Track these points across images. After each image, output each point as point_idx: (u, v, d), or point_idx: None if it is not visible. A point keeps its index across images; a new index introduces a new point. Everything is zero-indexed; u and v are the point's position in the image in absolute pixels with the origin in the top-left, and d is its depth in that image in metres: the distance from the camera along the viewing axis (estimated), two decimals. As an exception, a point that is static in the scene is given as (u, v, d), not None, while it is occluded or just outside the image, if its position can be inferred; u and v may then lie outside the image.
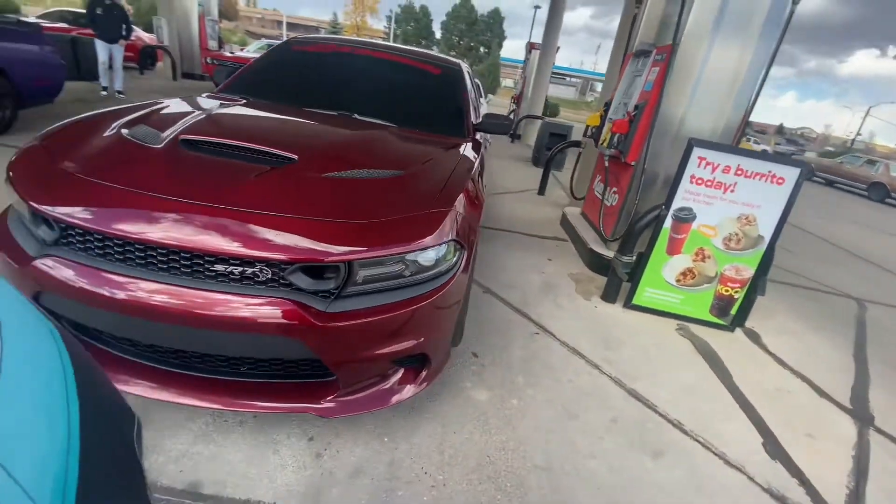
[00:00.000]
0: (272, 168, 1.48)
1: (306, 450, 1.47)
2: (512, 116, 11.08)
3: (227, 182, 1.38)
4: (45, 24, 6.88)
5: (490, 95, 11.13)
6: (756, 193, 2.46)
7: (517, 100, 11.69)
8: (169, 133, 1.58)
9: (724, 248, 2.58)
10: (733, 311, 2.69)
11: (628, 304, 2.77)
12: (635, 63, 3.38)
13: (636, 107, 3.04)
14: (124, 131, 1.58)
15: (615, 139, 3.18)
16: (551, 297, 2.78)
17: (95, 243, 1.25)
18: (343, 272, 1.29)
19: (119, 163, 1.42)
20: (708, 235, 2.57)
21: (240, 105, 2.14)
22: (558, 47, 10.19)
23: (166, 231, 1.21)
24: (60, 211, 1.24)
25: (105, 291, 1.22)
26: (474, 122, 2.60)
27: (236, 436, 1.48)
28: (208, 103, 2.12)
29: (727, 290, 2.65)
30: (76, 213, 1.24)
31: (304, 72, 2.65)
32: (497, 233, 3.85)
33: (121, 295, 1.22)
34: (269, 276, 1.26)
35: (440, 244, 1.44)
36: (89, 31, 6.86)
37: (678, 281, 2.68)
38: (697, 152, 2.40)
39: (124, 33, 6.93)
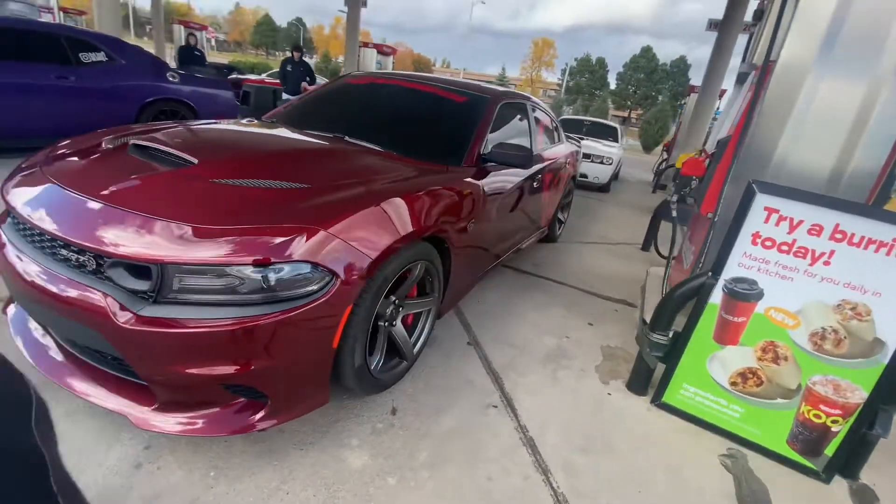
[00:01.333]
0: (169, 170, 1.54)
1: (134, 457, 1.41)
2: (662, 166, 9.85)
3: (118, 178, 1.48)
4: (252, 77, 9.02)
5: (629, 140, 10.12)
6: (870, 272, 1.55)
7: (668, 147, 10.38)
8: (133, 139, 1.80)
9: (813, 350, 1.68)
10: (829, 450, 1.70)
11: (657, 401, 2.01)
12: (737, 91, 2.61)
13: (718, 143, 2.31)
14: (108, 137, 1.87)
15: (688, 184, 2.47)
16: (550, 369, 2.21)
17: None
18: (157, 276, 1.23)
19: (74, 159, 1.67)
20: (784, 325, 1.71)
21: (239, 123, 2.36)
22: (724, 90, 8.76)
23: (39, 212, 1.35)
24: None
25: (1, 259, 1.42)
26: (483, 153, 2.32)
27: (96, 422, 1.51)
28: (227, 122, 2.39)
29: (819, 417, 1.70)
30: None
31: (333, 100, 2.80)
32: (546, 283, 3.33)
33: (9, 266, 1.39)
34: (94, 266, 1.27)
35: (278, 263, 1.26)
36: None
37: (734, 384, 1.84)
38: (763, 200, 1.66)
39: (307, 82, 8.53)
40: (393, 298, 1.77)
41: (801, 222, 1.62)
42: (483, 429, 1.74)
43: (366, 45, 13.31)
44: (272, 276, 1.27)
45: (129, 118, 4.85)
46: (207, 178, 1.50)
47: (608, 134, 8.91)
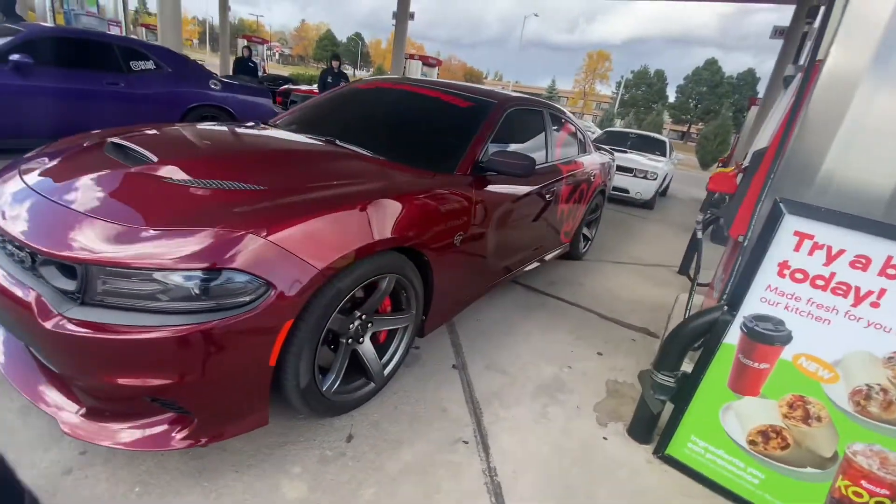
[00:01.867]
0: (123, 167, 1.50)
1: (67, 462, 1.35)
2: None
3: (75, 174, 1.45)
4: (304, 87, 9.35)
5: (679, 155, 9.47)
6: (934, 319, 1.21)
7: (724, 162, 9.62)
8: (113, 136, 1.80)
9: (855, 412, 1.34)
10: (874, 543, 1.35)
11: (660, 453, 1.72)
12: (781, 97, 2.27)
13: (752, 155, 1.99)
14: (95, 135, 1.89)
15: (720, 201, 2.16)
16: (541, 403, 1.97)
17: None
18: (81, 276, 1.16)
19: (54, 156, 1.68)
20: (818, 378, 1.39)
21: (241, 126, 2.34)
22: (790, 102, 7.99)
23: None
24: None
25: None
26: (481, 161, 2.15)
27: (44, 421, 1.48)
28: (229, 124, 2.38)
29: (860, 496, 1.35)
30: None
31: (337, 105, 2.74)
32: (558, 304, 3.07)
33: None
34: (30, 262, 1.23)
35: (203, 270, 1.16)
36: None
37: (753, 444, 1.52)
38: (793, 224, 1.36)
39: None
40: (357, 314, 1.63)
41: (841, 252, 1.31)
42: (445, 468, 1.54)
43: (411, 56, 13.52)
44: (197, 284, 1.17)
45: (173, 122, 5.12)
46: (159, 177, 1.44)
47: (655, 147, 8.38)
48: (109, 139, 1.74)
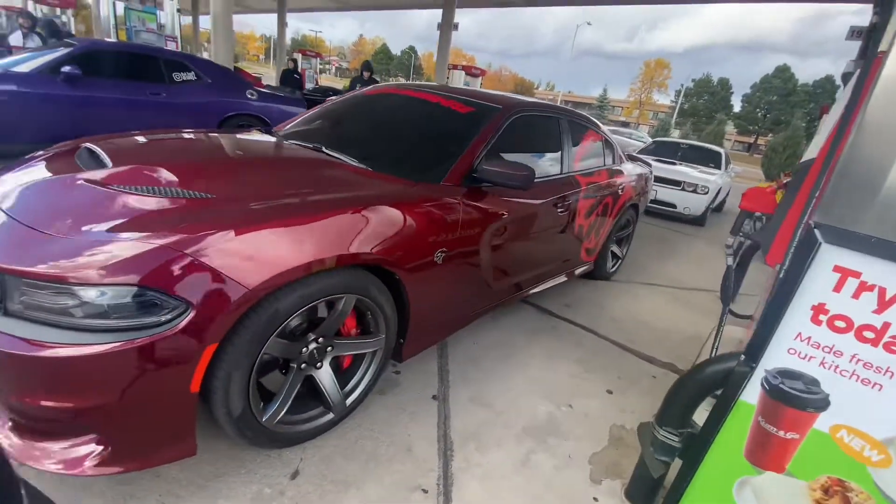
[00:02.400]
0: (72, 173, 1.45)
1: None
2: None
3: (32, 178, 1.42)
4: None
5: (737, 167, 8.65)
6: None
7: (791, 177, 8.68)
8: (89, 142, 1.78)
9: (917, 512, 1.00)
10: None
11: (661, 526, 1.42)
12: (839, 99, 1.89)
13: (796, 168, 1.65)
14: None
15: (752, 221, 1.82)
16: (526, 448, 1.72)
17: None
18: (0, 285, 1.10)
19: (34, 158, 1.68)
20: (862, 458, 1.06)
21: (238, 133, 2.29)
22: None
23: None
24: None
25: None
26: (473, 172, 1.94)
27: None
28: (224, 132, 2.35)
29: None
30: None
31: (339, 111, 2.63)
32: (571, 329, 2.77)
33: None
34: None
35: (107, 284, 1.05)
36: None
37: (776, 533, 1.19)
38: (832, 256, 1.05)
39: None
40: (312, 336, 1.48)
41: (898, 297, 0.99)
42: (394, 521, 1.35)
43: (455, 67, 13.53)
44: (107, 300, 1.06)
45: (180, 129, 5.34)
46: (100, 183, 1.37)
47: (708, 159, 7.72)
48: (84, 144, 1.72)
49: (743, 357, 1.21)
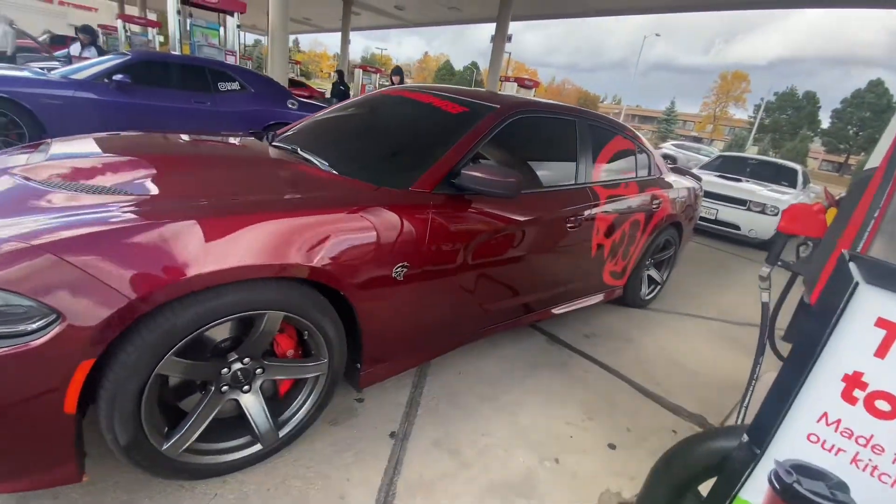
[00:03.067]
0: (23, 166, 1.40)
1: None
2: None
3: None
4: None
5: (816, 187, 7.56)
6: None
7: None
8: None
9: None
10: None
11: None
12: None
13: (852, 183, 1.25)
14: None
15: (797, 249, 1.42)
16: (484, 509, 1.42)
17: None
18: None
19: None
20: None
21: (237, 138, 2.23)
22: None
23: None
24: None
25: None
26: (452, 177, 1.70)
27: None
28: (224, 136, 2.31)
29: None
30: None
31: (332, 115, 2.50)
32: (583, 364, 2.40)
33: None
34: None
35: (-36, 287, 0.94)
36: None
37: None
38: (874, 302, 0.69)
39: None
40: (235, 356, 1.31)
41: None
42: (292, 589, 1.12)
43: (506, 79, 13.32)
44: (-36, 304, 0.95)
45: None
46: (27, 178, 1.30)
47: (781, 176, 6.82)
48: (50, 140, 1.71)
49: (746, 438, 0.86)
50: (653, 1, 11.56)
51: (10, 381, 0.98)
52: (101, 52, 6.61)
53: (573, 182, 2.32)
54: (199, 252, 1.12)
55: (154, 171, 1.52)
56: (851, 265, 0.72)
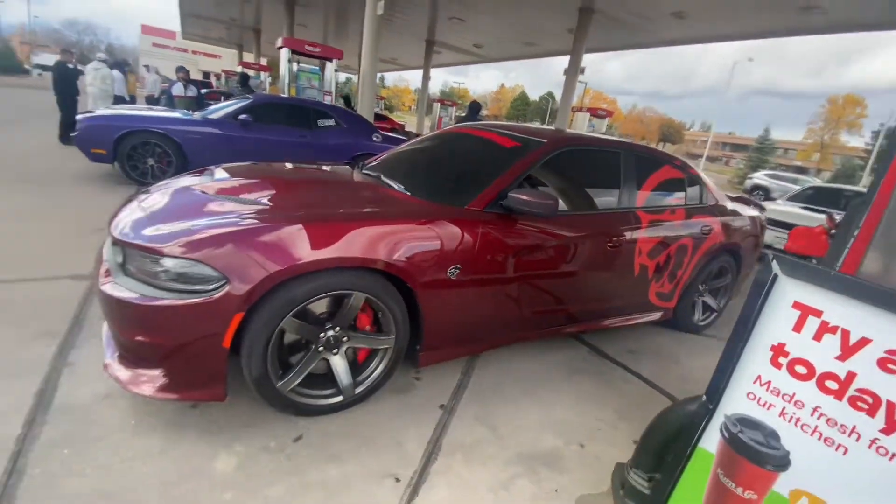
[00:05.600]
0: (199, 185, 2.02)
1: (107, 391, 1.82)
2: None
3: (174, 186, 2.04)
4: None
5: None
6: None
7: None
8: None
9: None
10: None
11: (626, 582, 1.28)
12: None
13: (851, 201, 1.41)
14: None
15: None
16: (512, 472, 1.70)
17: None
18: (122, 252, 1.63)
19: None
20: (827, 538, 0.87)
21: (332, 166, 2.82)
22: None
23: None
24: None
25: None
26: (501, 199, 2.08)
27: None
28: (322, 164, 2.91)
29: None
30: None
31: (411, 148, 3.01)
32: (619, 373, 2.58)
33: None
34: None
35: (178, 256, 1.49)
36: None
37: None
38: (791, 290, 0.94)
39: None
40: (330, 325, 1.77)
41: (865, 342, 0.85)
42: (359, 497, 1.50)
43: (579, 109, 13.50)
44: (171, 264, 1.50)
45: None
46: (204, 191, 1.91)
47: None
48: (210, 167, 2.37)
49: (703, 398, 1.10)
50: (736, 28, 11.20)
51: (194, 323, 1.50)
52: (197, 88, 8.06)
53: (616, 206, 2.58)
54: (311, 245, 1.60)
55: (283, 190, 2.09)
56: (773, 262, 0.97)
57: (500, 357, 2.51)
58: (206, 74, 19.80)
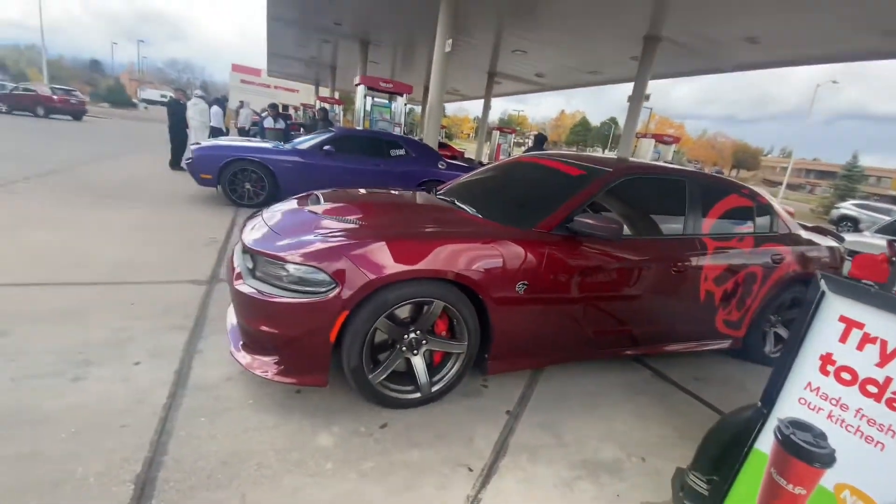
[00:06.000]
0: (308, 207, 2.42)
1: (229, 374, 2.21)
2: None
3: (288, 209, 2.46)
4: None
5: None
6: None
7: None
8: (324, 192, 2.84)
9: None
10: None
11: (684, 578, 1.38)
12: None
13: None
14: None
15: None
16: (575, 474, 1.83)
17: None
18: (253, 260, 2.02)
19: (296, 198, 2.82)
20: (875, 530, 0.96)
21: (408, 192, 3.17)
22: None
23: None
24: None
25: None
26: (567, 222, 2.28)
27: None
28: (398, 190, 3.28)
29: None
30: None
31: (481, 175, 3.29)
32: (693, 404, 2.60)
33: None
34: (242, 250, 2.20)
35: (298, 263, 1.85)
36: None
37: None
38: (837, 306, 1.06)
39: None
40: (412, 328, 2.05)
41: (903, 351, 0.96)
42: (436, 479, 1.71)
43: (643, 135, 13.29)
44: (293, 269, 1.85)
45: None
46: (314, 213, 2.29)
47: None
48: (314, 192, 2.79)
49: (759, 404, 1.22)
50: (816, 52, 10.63)
51: (309, 318, 1.84)
52: (284, 121, 9.04)
53: (680, 232, 2.67)
54: (403, 258, 1.90)
55: (376, 212, 2.45)
56: (822, 281, 1.10)
57: (563, 373, 2.64)
58: (286, 107, 21.95)
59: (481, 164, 9.67)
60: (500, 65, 16.75)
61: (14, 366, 2.04)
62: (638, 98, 12.62)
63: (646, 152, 12.98)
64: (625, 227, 2.44)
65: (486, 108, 20.27)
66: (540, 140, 8.81)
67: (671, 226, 2.69)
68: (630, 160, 3.10)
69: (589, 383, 2.61)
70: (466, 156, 15.80)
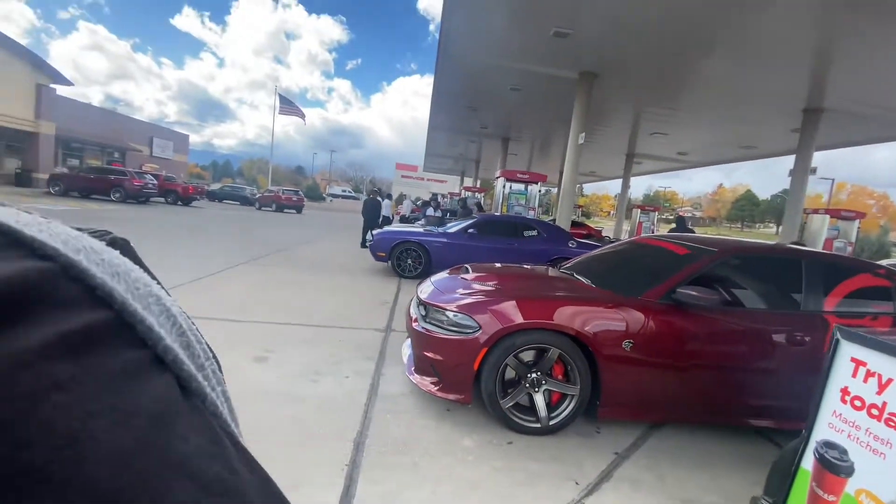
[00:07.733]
0: (461, 275, 3.35)
1: (409, 388, 3.09)
2: None
3: (451, 275, 3.44)
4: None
5: None
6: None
7: None
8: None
9: (918, 575, 1.11)
10: None
11: (759, 590, 1.62)
12: None
13: None
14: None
15: None
16: None
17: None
18: (424, 308, 2.97)
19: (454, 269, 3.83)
20: (884, 524, 1.23)
21: (543, 267, 3.93)
22: None
23: (417, 286, 3.52)
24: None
25: (407, 303, 3.67)
26: (672, 293, 2.73)
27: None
28: (535, 266, 4.06)
29: None
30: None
31: (601, 253, 3.86)
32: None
33: (407, 305, 3.62)
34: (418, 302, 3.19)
35: (454, 312, 2.72)
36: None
37: None
38: (848, 350, 1.43)
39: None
40: (534, 369, 2.69)
41: (890, 381, 1.31)
42: (548, 484, 2.23)
43: (815, 211, 11.77)
44: (451, 316, 2.72)
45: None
46: (464, 279, 3.20)
47: None
48: (465, 265, 3.76)
49: (804, 432, 1.55)
50: None
51: (460, 350, 2.65)
52: (438, 208, 10.64)
53: (796, 309, 2.82)
54: (526, 313, 2.62)
55: (510, 279, 3.25)
56: (837, 331, 1.48)
57: (679, 433, 2.88)
58: (435, 196, 25.47)
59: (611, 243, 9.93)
60: (638, 146, 17.07)
61: (281, 371, 3.28)
62: (801, 171, 11.49)
63: (818, 229, 11.41)
64: (730, 300, 2.76)
65: (626, 187, 20.32)
66: (681, 222, 8.91)
67: (784, 301, 2.86)
68: (738, 241, 3.35)
69: (704, 444, 2.78)
70: (604, 234, 15.93)
